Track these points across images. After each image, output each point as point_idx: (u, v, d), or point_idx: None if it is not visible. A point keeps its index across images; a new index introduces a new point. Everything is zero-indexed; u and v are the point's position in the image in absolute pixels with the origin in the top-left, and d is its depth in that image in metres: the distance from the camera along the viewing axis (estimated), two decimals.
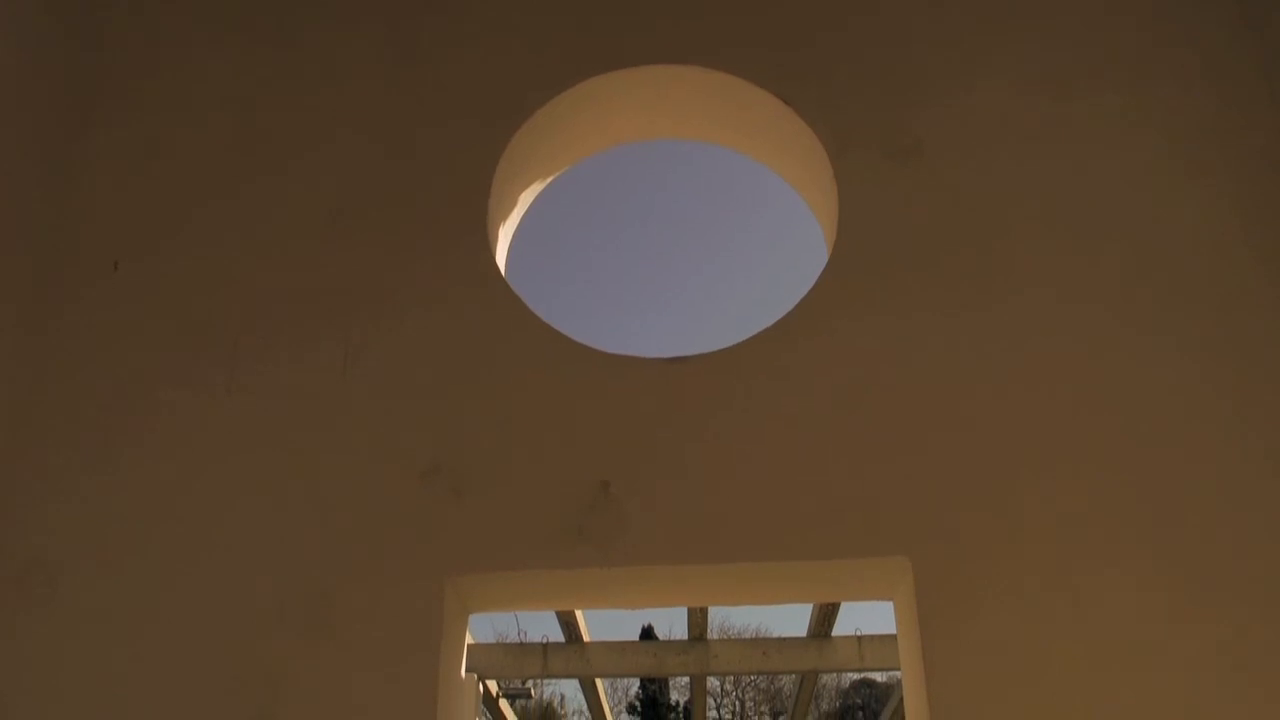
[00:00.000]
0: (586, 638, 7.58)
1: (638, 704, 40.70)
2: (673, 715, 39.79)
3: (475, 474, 2.91)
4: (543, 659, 7.64)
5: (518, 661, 7.74)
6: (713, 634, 7.57)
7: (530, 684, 10.38)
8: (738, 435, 2.90)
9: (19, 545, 2.95)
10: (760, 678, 36.68)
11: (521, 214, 3.64)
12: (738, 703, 40.01)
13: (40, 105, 3.31)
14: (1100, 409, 2.87)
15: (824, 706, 33.07)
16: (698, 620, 7.30)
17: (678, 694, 39.35)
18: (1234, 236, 3.01)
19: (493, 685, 8.29)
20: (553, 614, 7.21)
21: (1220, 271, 2.98)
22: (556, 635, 7.52)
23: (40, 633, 2.86)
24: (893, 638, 3.17)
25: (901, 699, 8.26)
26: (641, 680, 38.92)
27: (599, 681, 8.64)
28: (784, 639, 7.58)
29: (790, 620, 53.13)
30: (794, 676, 9.54)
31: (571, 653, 7.61)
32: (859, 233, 3.11)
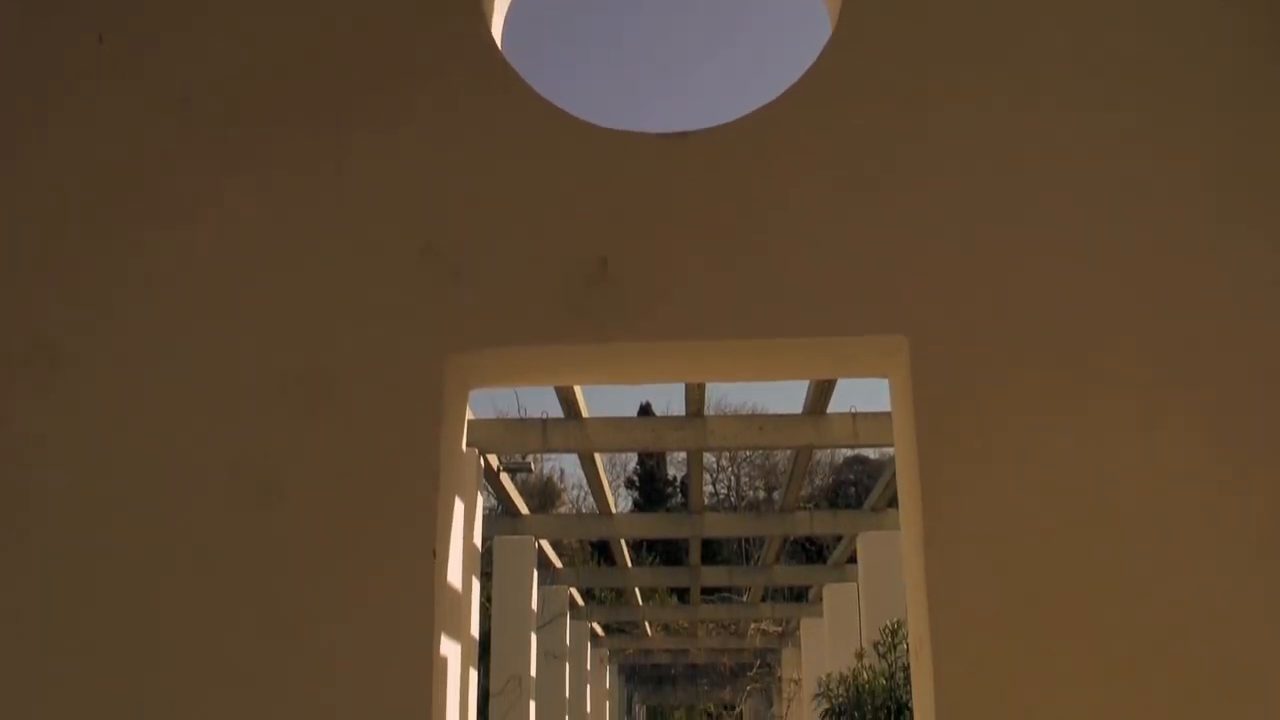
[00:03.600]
0: (585, 414, 7.69)
1: (635, 479, 41.75)
2: (670, 490, 40.84)
3: (473, 251, 2.90)
4: (542, 434, 7.77)
5: (517, 436, 7.88)
6: (710, 411, 7.68)
7: (530, 459, 10.59)
8: (737, 212, 2.88)
9: (19, 328, 2.96)
10: (756, 454, 37.52)
11: None
12: (733, 478, 41.05)
13: None
14: (1108, 201, 2.83)
15: (817, 482, 33.90)
16: (695, 397, 7.40)
17: (675, 469, 40.33)
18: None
19: (493, 460, 8.46)
20: (552, 390, 7.29)
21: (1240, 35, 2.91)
22: (556, 411, 7.63)
23: (43, 415, 2.89)
24: (887, 415, 3.21)
25: (894, 475, 8.44)
26: (639, 456, 39.84)
27: (598, 456, 8.81)
28: (780, 415, 7.70)
29: (786, 398, 53.93)
30: (789, 452, 9.73)
31: (570, 428, 7.74)
32: (863, 8, 3.02)
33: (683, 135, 2.96)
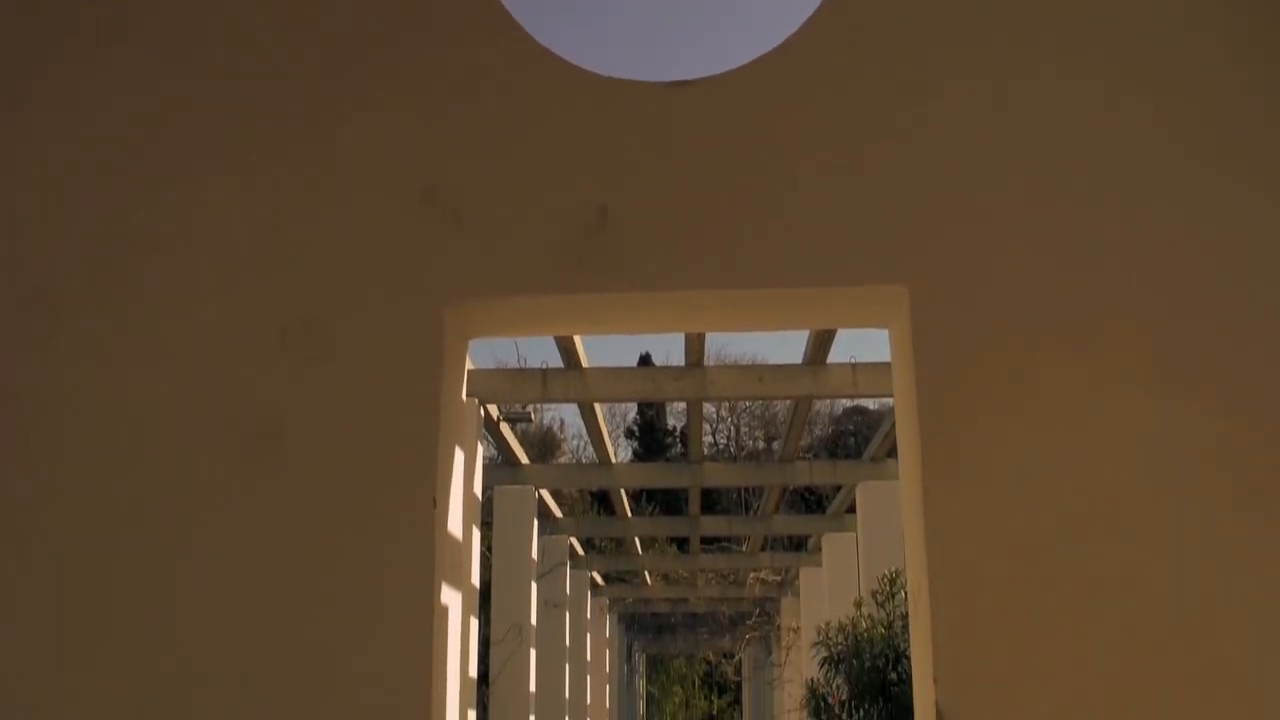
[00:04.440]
0: (585, 364, 7.69)
1: (635, 429, 41.80)
2: (669, 440, 40.92)
3: (473, 199, 2.89)
4: (542, 384, 7.77)
5: (517, 386, 7.88)
6: (710, 361, 7.67)
7: (530, 409, 10.61)
8: (737, 161, 2.86)
9: (19, 277, 2.95)
10: (755, 404, 37.55)
11: None
12: (733, 428, 41.10)
13: None
14: (1112, 153, 2.82)
15: (817, 432, 33.97)
16: (695, 347, 7.39)
17: (674, 419, 40.37)
18: None
19: (493, 410, 8.47)
20: (551, 340, 7.29)
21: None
22: (555, 361, 7.62)
23: (43, 366, 2.89)
24: (886, 366, 3.22)
25: (893, 426, 8.44)
26: (639, 406, 39.87)
27: (597, 406, 8.82)
28: (779, 366, 7.70)
29: (786, 348, 54.01)
30: (788, 403, 9.74)
31: (570, 378, 7.74)
32: None
33: (682, 84, 2.94)
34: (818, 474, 11.33)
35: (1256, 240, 2.75)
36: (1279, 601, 2.58)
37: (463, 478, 3.09)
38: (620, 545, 17.24)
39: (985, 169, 2.82)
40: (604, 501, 16.94)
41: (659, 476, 15.77)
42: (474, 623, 7.35)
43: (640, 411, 41.11)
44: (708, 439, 38.55)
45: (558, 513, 12.87)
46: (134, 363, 2.87)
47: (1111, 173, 2.80)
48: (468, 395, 6.99)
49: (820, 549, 13.56)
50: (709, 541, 17.19)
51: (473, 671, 7.31)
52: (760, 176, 2.85)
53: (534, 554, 10.31)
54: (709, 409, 37.01)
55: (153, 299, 2.90)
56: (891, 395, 3.11)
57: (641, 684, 30.24)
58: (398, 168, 2.92)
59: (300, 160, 2.96)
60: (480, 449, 7.81)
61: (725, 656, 25.89)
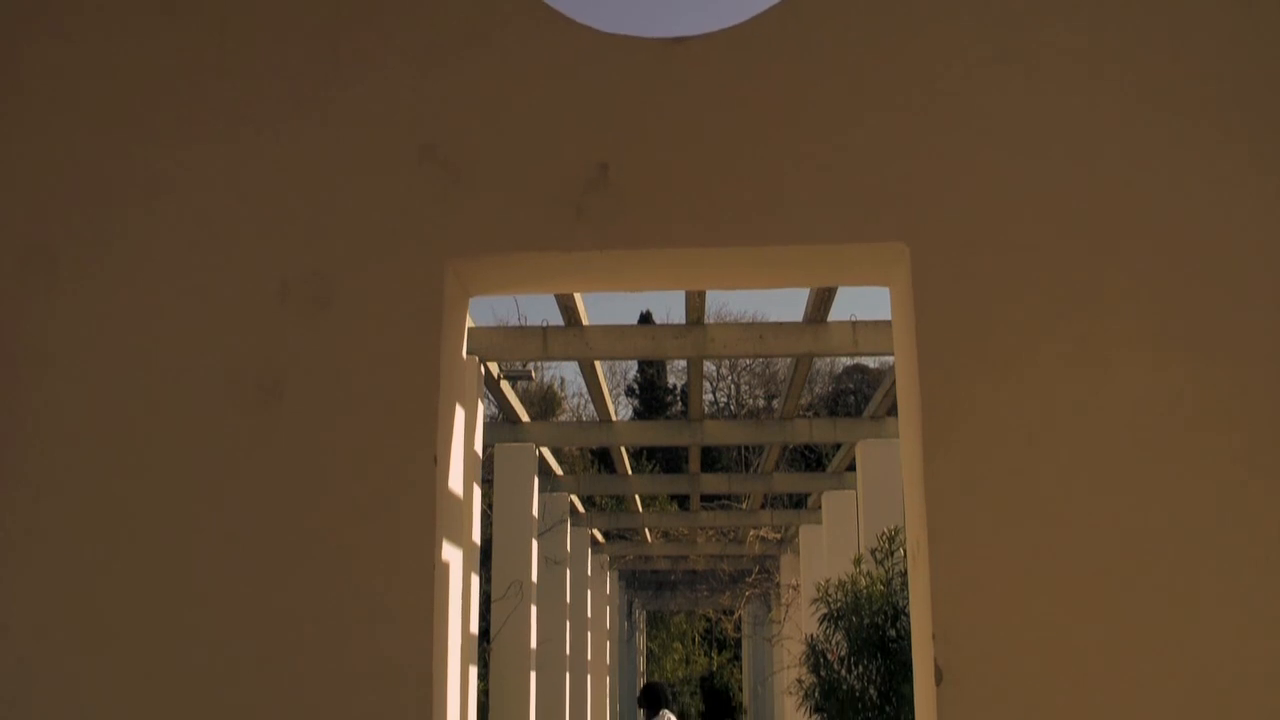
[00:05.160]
0: (585, 321, 7.68)
1: (636, 387, 41.85)
2: (670, 398, 40.96)
3: (473, 156, 2.88)
4: (542, 342, 7.77)
5: (517, 344, 7.87)
6: (710, 319, 7.66)
7: (531, 366, 10.61)
8: (738, 117, 2.85)
9: (19, 231, 2.94)
10: (756, 362, 37.58)
11: None
12: (733, 386, 41.14)
13: None
14: (1115, 109, 2.80)
15: (817, 390, 34.00)
16: (695, 305, 7.38)
17: (675, 377, 40.42)
18: None
19: (494, 367, 8.47)
20: (552, 298, 7.28)
21: None
22: (556, 319, 7.61)
23: (42, 321, 2.88)
24: (887, 324, 3.22)
25: (893, 384, 8.44)
26: (639, 364, 39.92)
27: (598, 364, 8.82)
28: (780, 324, 7.69)
29: (787, 306, 54.01)
30: (788, 360, 9.74)
31: (570, 336, 7.73)
32: None
33: (683, 40, 2.92)
34: (818, 432, 11.35)
35: (1260, 204, 2.73)
36: (1276, 558, 2.59)
37: (463, 435, 3.09)
38: (621, 503, 17.30)
39: (989, 128, 2.81)
40: (604, 459, 16.99)
41: (659, 434, 15.76)
42: (475, 580, 7.39)
43: (640, 370, 41.16)
44: (708, 397, 38.60)
45: (558, 470, 12.90)
46: (134, 318, 2.87)
47: (1116, 133, 2.78)
48: (468, 353, 7.00)
49: (820, 507, 13.60)
50: (709, 499, 17.25)
51: (474, 628, 7.35)
52: (761, 133, 2.84)
53: (535, 511, 10.34)
54: (709, 367, 37.05)
55: (153, 255, 2.89)
56: (892, 353, 3.11)
57: (642, 640, 30.43)
58: (398, 125, 2.91)
59: (301, 117, 2.94)
60: (481, 407, 7.82)
61: (725, 613, 26.03)
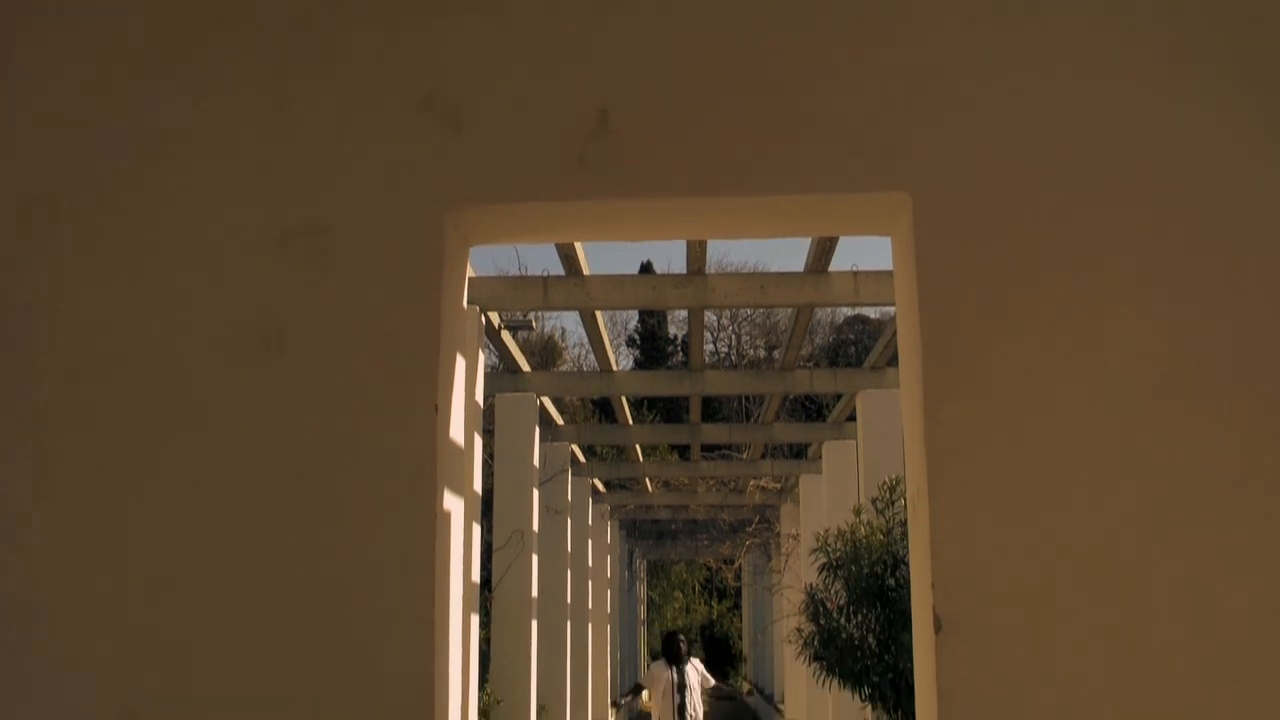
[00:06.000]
0: (586, 271, 7.67)
1: (637, 337, 41.92)
2: (671, 348, 41.02)
3: (473, 104, 2.85)
4: (543, 292, 7.76)
5: (518, 294, 7.86)
6: (711, 269, 7.65)
7: (531, 316, 10.60)
8: (741, 66, 2.82)
9: (18, 180, 2.93)
10: (757, 312, 37.59)
11: None
12: (734, 336, 41.19)
13: None
14: (1120, 58, 2.78)
15: (818, 341, 34.02)
16: (696, 255, 7.37)
17: (676, 328, 40.46)
18: None
19: (494, 317, 8.46)
20: (552, 248, 7.26)
21: None
22: (557, 269, 7.60)
23: (42, 270, 2.87)
24: (888, 274, 3.21)
25: (894, 334, 8.42)
26: (640, 314, 39.94)
27: (599, 314, 8.82)
28: (781, 274, 7.68)
29: (788, 256, 53.91)
30: (789, 311, 9.74)
31: (571, 285, 7.72)
32: None
33: None
34: (818, 382, 11.37)
35: (1268, 149, 2.72)
36: None
37: (464, 385, 3.09)
38: (621, 452, 17.35)
39: (992, 78, 2.78)
40: (605, 409, 17.03)
41: (660, 384, 15.80)
42: (476, 529, 7.42)
43: (641, 320, 41.20)
44: (709, 347, 38.63)
45: (559, 420, 12.93)
46: (133, 268, 2.86)
47: (1122, 80, 2.76)
48: (469, 302, 6.99)
49: (820, 457, 13.64)
50: (709, 449, 17.30)
51: (475, 577, 7.39)
52: (763, 82, 2.81)
53: (536, 461, 10.37)
54: (710, 317, 37.04)
55: (152, 204, 2.88)
56: (893, 304, 3.10)
57: (642, 589, 30.64)
58: (397, 73, 2.89)
59: (301, 66, 2.92)
60: (482, 357, 7.83)
61: (725, 562, 26.19)
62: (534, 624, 9.90)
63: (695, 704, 11.75)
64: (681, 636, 13.89)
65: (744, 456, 16.91)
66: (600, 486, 18.31)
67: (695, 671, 11.87)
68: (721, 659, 34.21)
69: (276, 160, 2.87)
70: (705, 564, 30.02)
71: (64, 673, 2.74)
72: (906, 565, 5.60)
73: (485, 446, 8.90)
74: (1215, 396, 2.64)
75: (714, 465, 17.09)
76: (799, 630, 8.26)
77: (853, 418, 11.09)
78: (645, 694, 16.29)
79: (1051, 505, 2.62)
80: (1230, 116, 2.73)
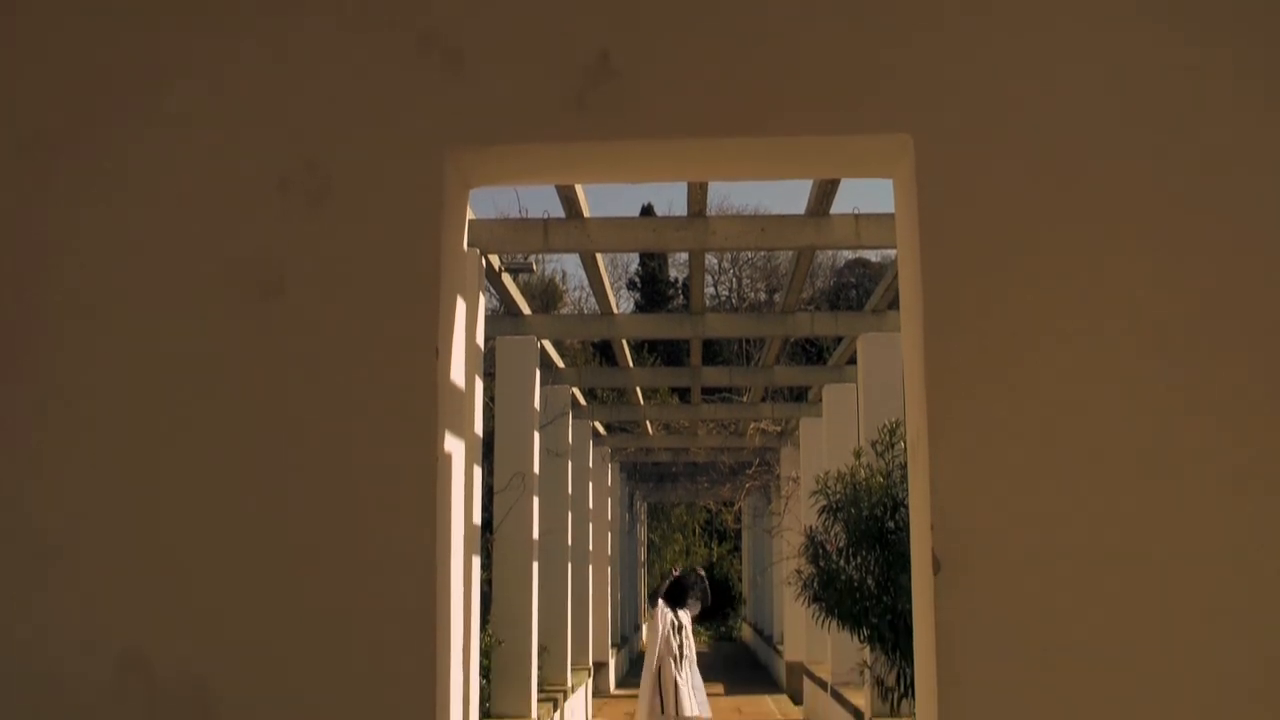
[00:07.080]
0: (586, 214, 7.64)
1: (637, 280, 41.84)
2: (671, 291, 40.96)
3: (473, 45, 2.83)
4: (543, 234, 7.74)
5: (519, 236, 7.85)
6: (712, 211, 7.64)
7: (532, 259, 10.58)
8: (742, 8, 2.80)
9: (16, 121, 2.91)
10: (757, 255, 37.48)
11: None
12: (735, 279, 41.12)
13: None
14: (1126, 3, 2.75)
15: (819, 284, 33.98)
16: (697, 197, 7.34)
17: (676, 271, 40.38)
18: None
19: (495, 260, 8.45)
20: (553, 190, 7.23)
21: None
22: (557, 211, 7.58)
23: (41, 212, 2.86)
24: (889, 217, 3.20)
25: (895, 278, 8.41)
26: (641, 257, 39.85)
27: (599, 257, 8.80)
28: (782, 216, 7.66)
29: (789, 199, 53.67)
30: (790, 254, 9.71)
31: (572, 228, 7.70)
32: None
33: None
34: (819, 325, 11.37)
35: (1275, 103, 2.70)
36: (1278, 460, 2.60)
37: (465, 327, 3.09)
38: (622, 395, 17.39)
39: (994, 19, 2.76)
40: (606, 352, 17.03)
41: (661, 327, 15.82)
42: (477, 471, 7.45)
43: (642, 263, 41.11)
44: (709, 290, 38.58)
45: (560, 363, 12.94)
46: (132, 213, 2.85)
47: (1126, 25, 2.74)
48: (469, 245, 6.97)
49: (820, 400, 13.67)
50: (710, 392, 17.33)
51: (476, 519, 7.43)
52: (765, 23, 2.79)
53: (536, 404, 10.39)
54: (711, 260, 36.95)
55: (151, 147, 2.86)
56: (894, 247, 3.09)
57: (643, 531, 30.80)
58: (397, 13, 2.86)
59: (299, 6, 2.89)
60: (482, 299, 7.82)
61: (725, 505, 26.32)
62: (535, 566, 9.97)
63: (690, 645, 11.85)
64: (701, 573, 13.90)
65: (744, 399, 16.95)
66: (601, 429, 18.36)
67: (688, 613, 11.97)
68: (722, 601, 34.48)
69: (276, 102, 2.85)
70: (705, 506, 30.18)
71: (76, 610, 2.76)
72: (906, 508, 5.63)
73: (486, 389, 8.91)
74: (1222, 340, 2.63)
75: (714, 408, 17.13)
76: (799, 572, 8.32)
77: (853, 361, 11.11)
78: (644, 633, 16.40)
79: (1050, 447, 2.62)
80: (1246, 70, 2.71)
